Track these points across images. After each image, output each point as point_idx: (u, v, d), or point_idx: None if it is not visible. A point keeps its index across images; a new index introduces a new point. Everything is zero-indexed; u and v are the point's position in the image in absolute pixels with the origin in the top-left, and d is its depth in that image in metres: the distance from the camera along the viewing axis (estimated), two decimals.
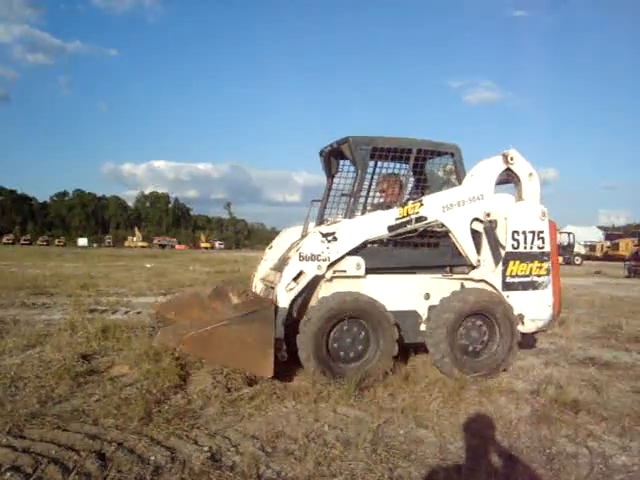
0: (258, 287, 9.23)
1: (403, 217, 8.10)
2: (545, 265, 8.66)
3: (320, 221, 9.03)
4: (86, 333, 9.81)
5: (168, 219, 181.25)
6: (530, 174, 8.72)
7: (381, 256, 8.24)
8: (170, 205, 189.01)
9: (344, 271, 7.95)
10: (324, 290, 7.94)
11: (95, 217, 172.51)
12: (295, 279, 7.70)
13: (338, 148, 8.63)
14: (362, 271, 7.99)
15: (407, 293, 8.33)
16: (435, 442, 5.70)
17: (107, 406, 6.25)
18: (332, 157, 9.23)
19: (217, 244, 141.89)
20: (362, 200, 8.80)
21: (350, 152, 8.32)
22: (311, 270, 7.74)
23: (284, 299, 7.64)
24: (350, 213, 8.20)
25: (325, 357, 7.52)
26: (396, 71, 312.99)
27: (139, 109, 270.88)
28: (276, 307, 7.44)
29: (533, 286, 8.61)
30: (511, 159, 8.61)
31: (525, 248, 8.57)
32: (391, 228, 8.09)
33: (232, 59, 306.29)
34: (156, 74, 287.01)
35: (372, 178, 9.33)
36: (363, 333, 7.74)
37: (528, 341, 10.08)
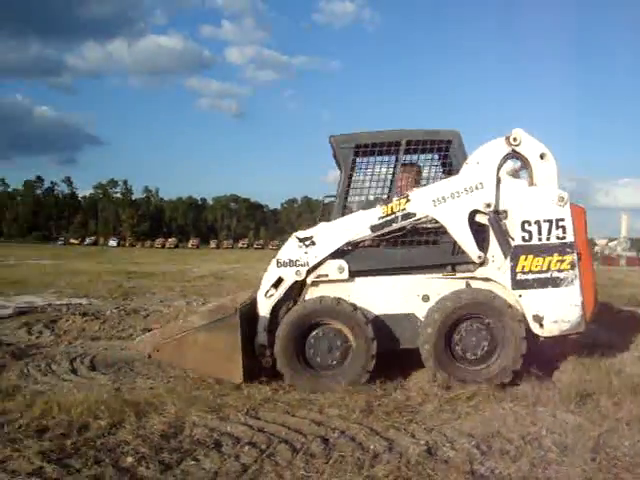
0: None
1: (387, 215, 7.58)
2: (568, 258, 7.46)
3: None
4: None
5: None
6: (542, 155, 7.66)
7: (370, 257, 7.80)
8: None
9: (326, 275, 7.69)
10: (309, 294, 7.76)
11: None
12: (275, 285, 7.65)
13: None
14: (345, 274, 7.66)
15: (402, 295, 7.70)
16: None
17: (331, 397, 6.74)
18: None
19: None
20: (360, 199, 8.09)
21: (333, 152, 8.06)
22: (289, 276, 7.64)
23: (264, 306, 7.66)
24: (335, 215, 7.88)
25: (300, 364, 7.36)
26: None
27: (360, 117, 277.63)
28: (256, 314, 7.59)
29: (553, 283, 7.46)
30: (514, 140, 7.62)
31: (540, 240, 7.50)
32: (374, 228, 7.61)
33: (455, 64, 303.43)
34: (376, 81, 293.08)
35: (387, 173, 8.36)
36: (341, 340, 7.42)
37: None
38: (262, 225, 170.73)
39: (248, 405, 6.34)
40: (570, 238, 7.50)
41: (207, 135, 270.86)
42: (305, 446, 5.30)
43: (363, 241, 7.79)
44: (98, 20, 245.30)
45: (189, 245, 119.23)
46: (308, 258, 7.63)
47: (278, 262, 7.69)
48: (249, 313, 7.57)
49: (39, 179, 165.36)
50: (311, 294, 7.75)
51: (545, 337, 7.62)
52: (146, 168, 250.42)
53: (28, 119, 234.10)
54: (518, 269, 7.49)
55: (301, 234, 7.72)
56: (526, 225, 7.51)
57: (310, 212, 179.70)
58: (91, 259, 46.45)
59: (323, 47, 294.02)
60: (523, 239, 7.50)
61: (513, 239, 7.57)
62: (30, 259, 44.13)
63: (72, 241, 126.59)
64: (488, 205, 7.54)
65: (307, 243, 7.65)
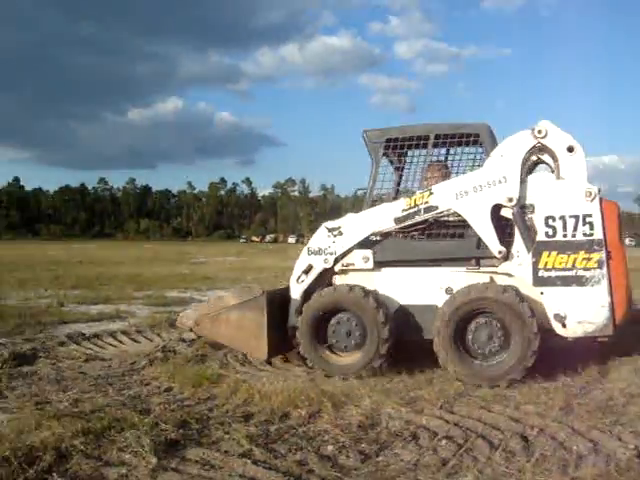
0: None
1: (410, 208, 7.70)
2: (595, 256, 7.09)
3: None
4: None
5: None
6: (570, 148, 7.30)
7: (396, 249, 7.99)
8: None
9: (352, 264, 8.00)
10: (339, 282, 8.09)
11: None
12: (306, 272, 8.07)
13: None
14: (370, 264, 7.91)
15: (426, 287, 7.74)
16: None
17: (528, 394, 6.58)
18: None
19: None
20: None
21: (366, 146, 8.27)
22: (319, 263, 8.06)
23: (296, 290, 8.16)
24: (364, 207, 8.15)
25: (321, 348, 7.75)
26: None
27: (537, 104, 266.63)
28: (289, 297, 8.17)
29: (578, 281, 7.12)
30: (539, 132, 7.35)
31: (565, 236, 7.21)
32: (398, 220, 7.77)
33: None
34: (550, 67, 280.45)
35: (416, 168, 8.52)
36: (357, 325, 7.64)
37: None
38: None
39: (442, 399, 6.33)
40: (598, 235, 7.16)
41: None
42: (503, 443, 5.19)
43: (391, 232, 8.00)
44: (271, 27, 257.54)
45: None
46: (336, 247, 8.01)
47: (309, 250, 8.18)
48: (283, 297, 8.19)
49: (222, 181, 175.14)
50: (340, 281, 8.10)
51: (569, 338, 7.36)
52: (322, 166, 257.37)
53: (210, 125, 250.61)
54: (540, 265, 7.27)
55: (330, 224, 8.13)
56: (550, 220, 7.29)
57: None
58: (273, 256, 48.40)
59: (493, 35, 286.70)
60: (547, 235, 7.30)
61: (537, 234, 7.38)
62: (216, 256, 46.83)
63: (253, 239, 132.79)
64: (510, 199, 7.39)
65: (335, 233, 8.05)
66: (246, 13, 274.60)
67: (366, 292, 7.62)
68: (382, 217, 7.91)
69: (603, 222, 7.20)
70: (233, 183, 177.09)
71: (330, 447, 5.14)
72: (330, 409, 5.95)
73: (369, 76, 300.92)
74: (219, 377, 7.35)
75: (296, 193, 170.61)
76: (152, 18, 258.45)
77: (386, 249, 7.99)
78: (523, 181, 7.46)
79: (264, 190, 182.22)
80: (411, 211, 7.73)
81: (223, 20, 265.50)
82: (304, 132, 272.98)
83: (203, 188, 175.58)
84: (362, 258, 7.96)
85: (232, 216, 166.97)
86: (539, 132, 7.40)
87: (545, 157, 7.68)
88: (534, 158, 7.71)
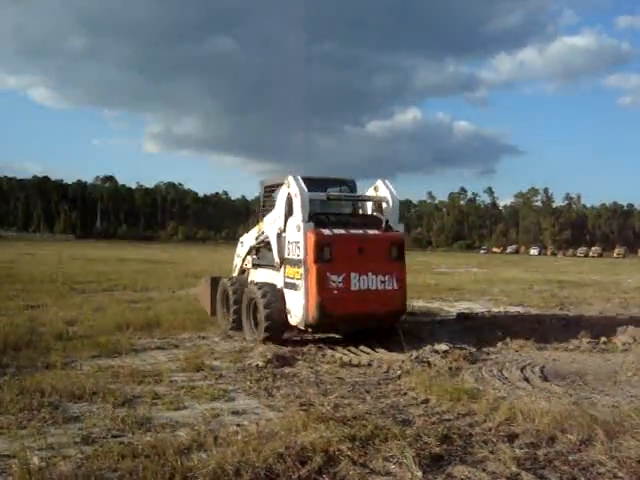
0: None
1: (259, 231, 12.12)
2: (300, 270, 10.20)
3: None
4: None
5: None
6: (295, 194, 10.45)
7: (262, 256, 12.21)
8: None
9: (247, 264, 12.90)
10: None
11: None
12: (235, 267, 13.59)
13: None
14: (250, 265, 12.69)
15: (269, 280, 11.28)
16: None
17: None
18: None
19: None
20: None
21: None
22: (238, 262, 13.45)
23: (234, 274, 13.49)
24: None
25: (224, 310, 12.40)
26: None
27: None
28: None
29: (294, 287, 10.38)
30: (287, 185, 10.74)
31: (290, 255, 10.59)
32: (256, 238, 12.32)
33: None
34: None
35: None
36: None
37: None
38: None
39: None
40: (302, 256, 10.22)
41: (632, 135, 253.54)
42: None
43: (257, 246, 12.38)
44: (507, 31, 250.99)
45: (614, 254, 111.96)
46: (241, 253, 13.22)
47: (236, 254, 13.61)
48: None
49: (462, 190, 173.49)
50: (248, 275, 12.80)
51: (296, 325, 10.50)
52: (567, 174, 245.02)
53: (449, 134, 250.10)
54: (285, 274, 10.76)
55: (241, 238, 13.43)
56: (289, 244, 10.69)
57: None
58: (517, 267, 46.87)
59: None
60: (287, 254, 10.74)
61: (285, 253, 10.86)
62: (459, 267, 46.32)
63: (494, 250, 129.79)
64: (280, 229, 10.95)
65: (242, 244, 13.30)
66: (482, 19, 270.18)
67: (231, 280, 12.40)
68: (252, 236, 12.59)
69: (305, 247, 10.11)
70: (473, 193, 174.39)
71: None
72: (603, 437, 5.49)
73: (617, 75, 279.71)
74: (477, 392, 7.16)
75: (538, 203, 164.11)
76: (388, 31, 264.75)
77: (259, 256, 12.37)
78: (285, 217, 10.77)
79: (505, 200, 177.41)
80: (259, 233, 12.13)
81: (458, 28, 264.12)
82: (546, 139, 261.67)
83: (443, 198, 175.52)
84: (248, 261, 12.81)
85: (472, 226, 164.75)
86: (287, 184, 10.68)
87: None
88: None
